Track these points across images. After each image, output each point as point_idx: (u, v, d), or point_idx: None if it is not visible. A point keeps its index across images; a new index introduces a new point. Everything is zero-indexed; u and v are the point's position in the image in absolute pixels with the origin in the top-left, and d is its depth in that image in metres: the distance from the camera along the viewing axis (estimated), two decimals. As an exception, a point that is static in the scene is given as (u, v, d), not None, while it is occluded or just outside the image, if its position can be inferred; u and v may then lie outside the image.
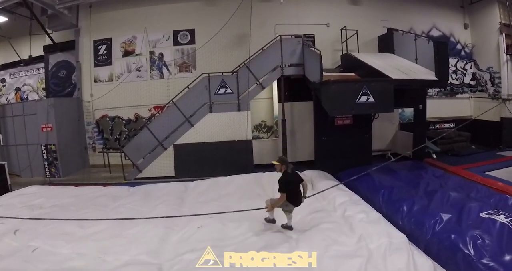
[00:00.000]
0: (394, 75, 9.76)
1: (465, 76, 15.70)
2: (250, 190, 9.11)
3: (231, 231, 6.53)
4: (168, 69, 14.36)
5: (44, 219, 6.86)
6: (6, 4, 12.92)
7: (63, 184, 11.40)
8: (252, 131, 12.88)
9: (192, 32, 14.17)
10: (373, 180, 8.80)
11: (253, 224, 6.68)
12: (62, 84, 15.42)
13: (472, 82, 15.70)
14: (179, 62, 14.30)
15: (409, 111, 14.12)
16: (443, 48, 10.21)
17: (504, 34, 13.79)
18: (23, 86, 16.72)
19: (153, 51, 14.37)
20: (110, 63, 14.54)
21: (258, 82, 11.64)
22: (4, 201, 9.07)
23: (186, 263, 5.35)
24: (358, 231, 6.10)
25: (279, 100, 12.30)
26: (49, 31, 14.45)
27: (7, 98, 16.95)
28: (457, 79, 15.59)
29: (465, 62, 15.62)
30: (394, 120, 13.58)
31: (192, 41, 14.19)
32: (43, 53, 15.47)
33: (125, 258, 5.63)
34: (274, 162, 6.41)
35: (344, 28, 13.45)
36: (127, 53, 14.50)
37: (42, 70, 15.96)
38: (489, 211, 6.02)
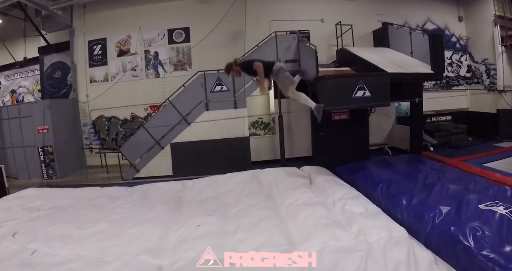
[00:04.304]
0: (390, 69, 9.76)
1: (460, 68, 15.74)
2: (248, 187, 9.06)
3: (230, 229, 6.51)
4: (163, 68, 14.33)
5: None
6: (-1, 6, 12.83)
7: (61, 185, 11.38)
8: (249, 129, 12.86)
9: (186, 30, 14.13)
10: (371, 174, 8.79)
11: (253, 223, 6.65)
12: (57, 85, 15.35)
13: (468, 75, 15.73)
14: (175, 61, 14.27)
15: (405, 105, 14.14)
16: (438, 41, 10.18)
17: (498, 26, 13.81)
18: (18, 88, 16.64)
19: (148, 50, 14.34)
20: (105, 63, 14.49)
21: (254, 79, 11.62)
22: (2, 204, 9.01)
23: (186, 262, 5.32)
24: (358, 225, 6.07)
25: (275, 97, 12.29)
26: (43, 32, 14.39)
27: (3, 101, 16.87)
28: (452, 72, 15.62)
29: (460, 54, 15.64)
30: (390, 114, 13.60)
31: (187, 39, 14.16)
32: (37, 54, 15.39)
33: (124, 258, 5.59)
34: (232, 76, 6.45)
35: (339, 23, 13.44)
36: (122, 53, 14.46)
37: (37, 72, 15.87)
38: (488, 203, 6.00)
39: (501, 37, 13.88)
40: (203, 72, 11.61)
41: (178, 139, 11.70)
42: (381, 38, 13.43)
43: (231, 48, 13.36)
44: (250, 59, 6.20)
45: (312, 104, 6.16)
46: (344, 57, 12.56)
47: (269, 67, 6.05)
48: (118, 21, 14.32)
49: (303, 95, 6.20)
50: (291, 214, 6.96)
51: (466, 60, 15.74)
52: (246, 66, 6.02)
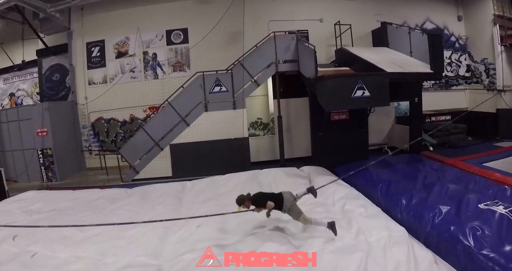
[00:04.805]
0: (389, 69, 9.74)
1: (459, 68, 15.72)
2: (248, 187, 9.03)
3: (230, 230, 6.51)
4: (162, 69, 14.31)
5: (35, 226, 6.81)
6: (-3, 10, 12.81)
7: (60, 188, 11.36)
8: (248, 129, 12.84)
9: (185, 31, 14.12)
10: (371, 174, 8.79)
11: (252, 223, 6.64)
12: (56, 88, 15.33)
13: (467, 74, 15.71)
14: (173, 62, 14.25)
15: (404, 105, 14.12)
16: (437, 41, 10.16)
17: (498, 25, 13.78)
18: (17, 91, 16.61)
19: (147, 51, 14.33)
20: (104, 65, 14.48)
21: (253, 80, 11.62)
22: (2, 207, 9.02)
23: (185, 263, 5.33)
24: (358, 225, 6.09)
25: (274, 97, 12.29)
26: (41, 35, 14.40)
27: (1, 104, 16.84)
28: (452, 72, 15.59)
29: (459, 54, 15.62)
30: (390, 114, 13.59)
31: (185, 41, 14.15)
32: (36, 57, 15.38)
33: (124, 260, 5.60)
34: (242, 208, 6.18)
35: (338, 23, 13.43)
36: (120, 55, 14.44)
37: (35, 75, 15.86)
38: (488, 202, 6.01)
39: (500, 36, 13.84)
40: (202, 73, 11.58)
41: (178, 140, 11.68)
42: (380, 38, 13.44)
43: (230, 48, 13.37)
44: (262, 196, 6.21)
45: (324, 223, 6.21)
46: (343, 57, 12.56)
47: (279, 203, 6.13)
48: (116, 22, 14.30)
49: (313, 219, 6.26)
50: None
51: (465, 59, 15.72)
52: (257, 202, 6.11)
